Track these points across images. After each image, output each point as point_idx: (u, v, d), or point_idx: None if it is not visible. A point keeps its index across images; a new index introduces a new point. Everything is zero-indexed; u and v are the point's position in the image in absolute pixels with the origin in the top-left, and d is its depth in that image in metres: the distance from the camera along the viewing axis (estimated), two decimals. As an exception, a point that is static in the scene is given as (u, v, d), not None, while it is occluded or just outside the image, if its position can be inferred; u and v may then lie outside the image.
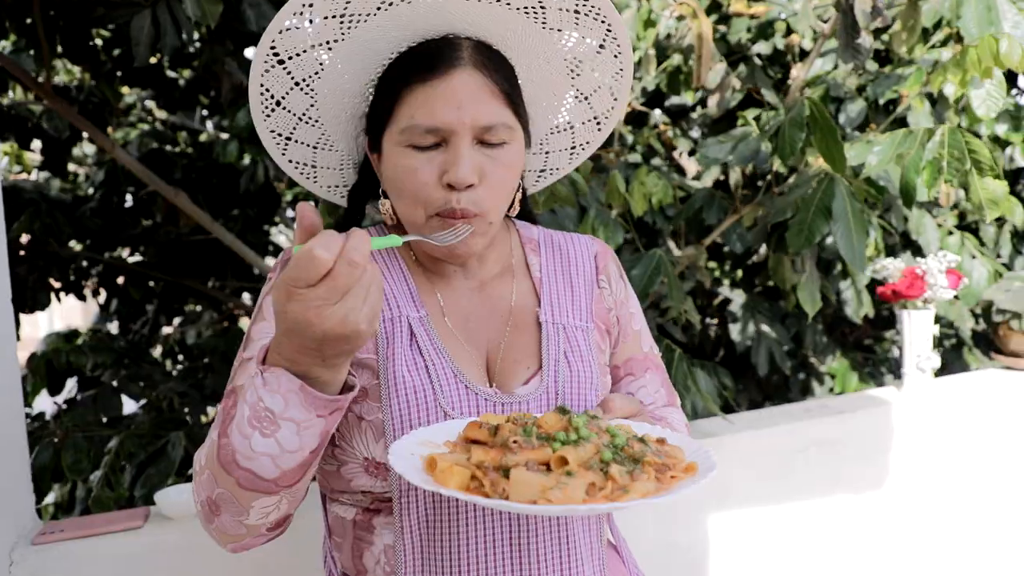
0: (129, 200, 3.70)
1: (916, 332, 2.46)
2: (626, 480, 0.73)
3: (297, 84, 1.01)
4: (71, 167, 4.31)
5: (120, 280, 3.85)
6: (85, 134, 3.56)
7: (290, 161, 1.10)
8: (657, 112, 3.04)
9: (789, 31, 2.68)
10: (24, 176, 4.41)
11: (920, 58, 2.39)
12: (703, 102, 2.88)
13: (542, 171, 1.22)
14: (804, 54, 2.66)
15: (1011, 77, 2.88)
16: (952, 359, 3.58)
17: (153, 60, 3.26)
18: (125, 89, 4.00)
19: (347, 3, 0.92)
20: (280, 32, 0.94)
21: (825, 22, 2.28)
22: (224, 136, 3.91)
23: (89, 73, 3.21)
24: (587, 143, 1.17)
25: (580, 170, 2.19)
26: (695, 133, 2.97)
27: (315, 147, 1.10)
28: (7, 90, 3.58)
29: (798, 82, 2.36)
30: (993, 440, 2.58)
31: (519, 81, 1.01)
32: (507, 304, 1.05)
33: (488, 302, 1.05)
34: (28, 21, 2.52)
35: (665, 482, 0.76)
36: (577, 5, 0.97)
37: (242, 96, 2.71)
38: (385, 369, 0.94)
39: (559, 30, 1.00)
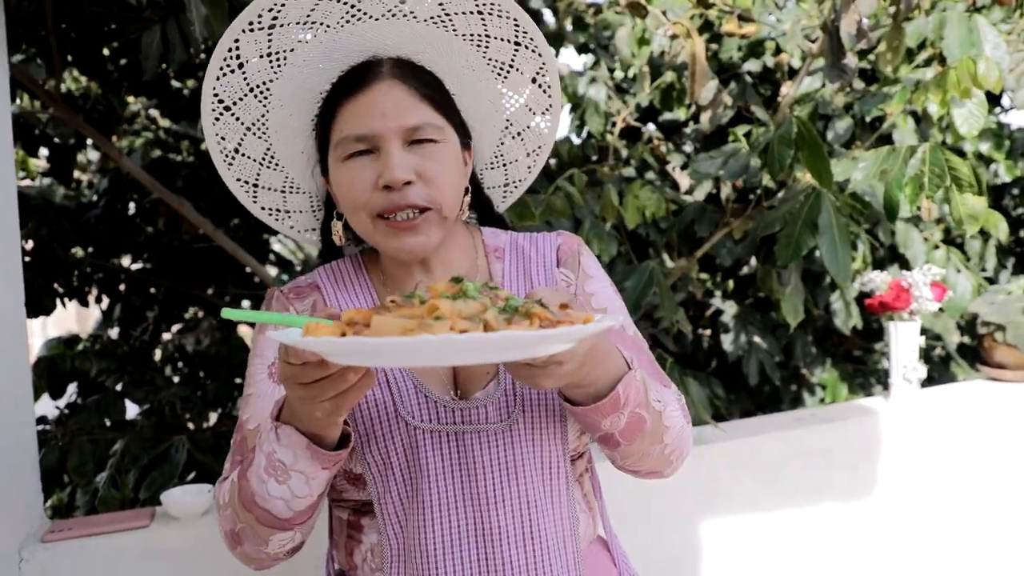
0: (132, 207, 3.76)
1: (903, 343, 2.53)
2: (502, 325, 0.68)
3: (248, 129, 1.08)
4: (76, 174, 4.37)
5: (122, 286, 3.90)
6: (90, 141, 3.62)
7: (263, 208, 1.17)
8: (650, 127, 3.11)
9: (778, 50, 2.76)
10: (29, 182, 4.46)
11: (905, 77, 2.46)
12: (696, 118, 2.96)
13: (506, 185, 1.25)
14: (793, 72, 2.74)
15: (994, 96, 2.97)
16: (939, 371, 3.65)
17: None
18: (130, 98, 4.06)
19: (268, 41, 0.99)
20: (217, 79, 1.01)
21: (813, 42, 2.36)
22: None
23: (97, 83, 3.27)
24: (539, 147, 1.20)
25: (575, 183, 2.26)
26: (688, 148, 3.05)
27: (282, 191, 1.15)
28: (16, 98, 3.64)
29: (787, 100, 2.43)
30: (979, 450, 2.64)
31: (451, 92, 1.07)
32: None
33: None
34: (42, 33, 2.58)
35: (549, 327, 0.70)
36: (479, 6, 1.02)
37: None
38: None
39: (472, 35, 1.05)
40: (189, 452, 2.21)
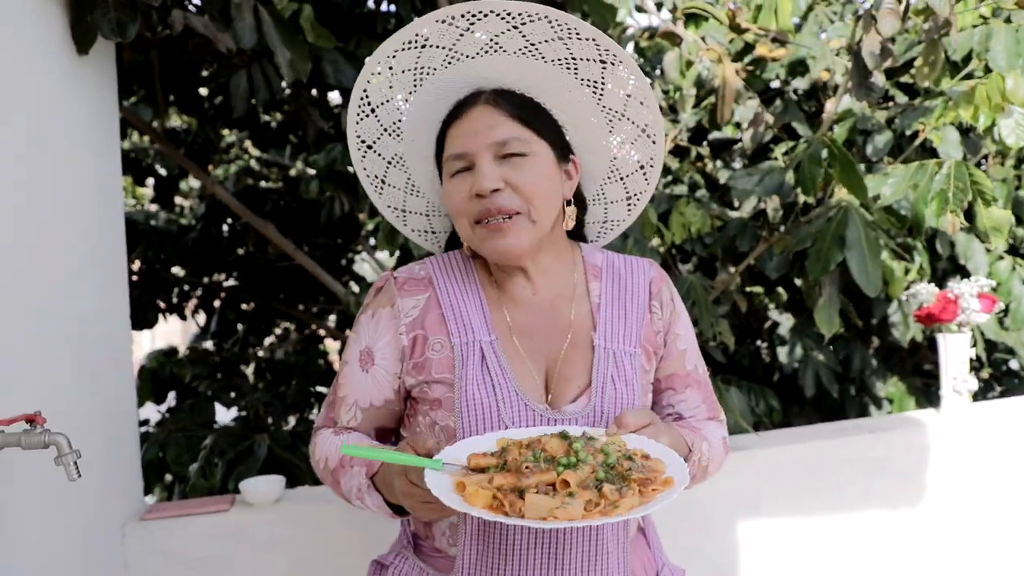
0: (226, 230, 4.13)
1: (952, 355, 2.52)
2: (615, 496, 0.91)
3: (389, 162, 1.26)
4: (177, 200, 4.82)
5: (216, 303, 4.27)
6: (190, 172, 4.02)
7: (388, 206, 1.32)
8: (704, 146, 3.21)
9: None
10: (137, 208, 4.95)
11: (950, 89, 2.48)
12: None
13: (604, 223, 1.35)
14: (837, 88, 2.79)
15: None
16: (1012, 384, 3.54)
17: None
18: (225, 131, 4.46)
19: (417, 58, 1.16)
20: (368, 81, 1.20)
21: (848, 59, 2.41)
22: (310, 172, 4.31)
23: (196, 120, 3.65)
24: (640, 192, 1.30)
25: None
26: (737, 165, 3.13)
27: (404, 190, 1.30)
28: (126, 136, 4.09)
29: (829, 116, 2.50)
30: (1034, 465, 2.58)
31: (551, 114, 1.19)
32: (565, 323, 1.20)
33: (551, 320, 1.20)
34: (148, 79, 2.94)
35: (647, 495, 0.93)
36: (602, 55, 1.14)
37: (324, 139, 3.06)
38: (459, 388, 1.12)
39: (592, 82, 1.17)
40: (269, 448, 2.47)
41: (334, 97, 3.44)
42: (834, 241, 1.98)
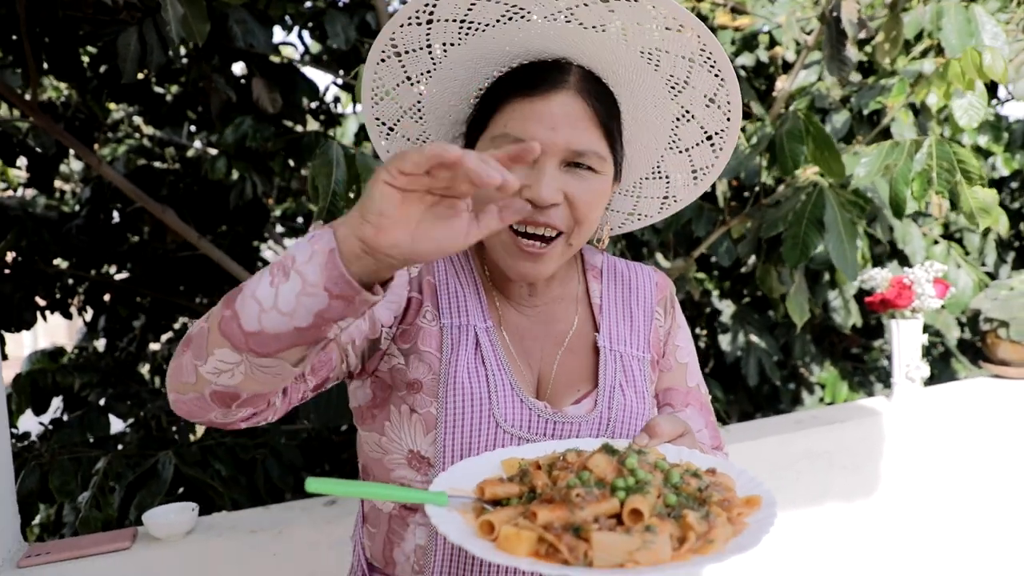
0: (116, 217, 3.68)
1: (905, 341, 2.48)
2: (704, 527, 0.70)
3: (408, 79, 1.01)
4: (57, 184, 4.28)
5: (107, 297, 3.82)
6: (72, 151, 3.54)
7: (388, 151, 1.10)
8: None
9: (772, 43, 2.71)
10: (9, 193, 4.37)
11: (903, 69, 2.41)
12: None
13: (630, 214, 1.20)
14: (788, 66, 2.69)
15: (991, 88, 2.92)
16: (940, 368, 3.60)
17: (140, 76, 3.25)
18: (112, 105, 3.98)
19: (469, 9, 0.92)
20: (401, 26, 0.94)
21: (808, 34, 2.30)
22: (212, 152, 3.89)
23: (76, 90, 3.20)
24: (679, 197, 1.15)
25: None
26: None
27: (416, 142, 1.09)
28: (-9, 107, 3.57)
29: (783, 93, 2.38)
30: (983, 448, 2.59)
31: (621, 117, 1.01)
32: (562, 327, 1.06)
33: (544, 323, 1.06)
34: (14, 38, 2.51)
35: (735, 522, 0.73)
36: (693, 54, 0.95)
37: (231, 112, 2.70)
38: (446, 372, 0.96)
39: (672, 76, 0.98)
40: (176, 468, 2.14)
41: (240, 67, 3.08)
42: (811, 224, 1.85)
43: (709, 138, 1.05)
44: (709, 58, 0.95)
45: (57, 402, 3.26)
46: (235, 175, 3.14)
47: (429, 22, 0.93)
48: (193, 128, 4.20)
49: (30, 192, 4.44)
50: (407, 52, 0.97)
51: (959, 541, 2.55)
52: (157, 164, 4.03)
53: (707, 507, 0.73)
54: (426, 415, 0.96)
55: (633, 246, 2.73)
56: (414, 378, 0.97)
